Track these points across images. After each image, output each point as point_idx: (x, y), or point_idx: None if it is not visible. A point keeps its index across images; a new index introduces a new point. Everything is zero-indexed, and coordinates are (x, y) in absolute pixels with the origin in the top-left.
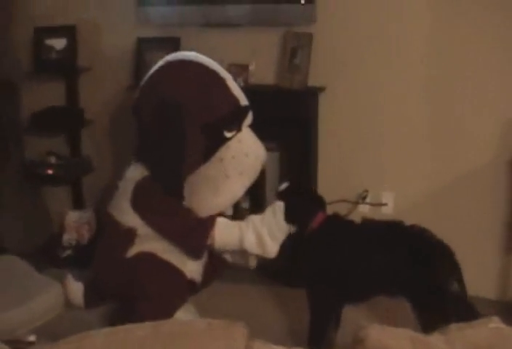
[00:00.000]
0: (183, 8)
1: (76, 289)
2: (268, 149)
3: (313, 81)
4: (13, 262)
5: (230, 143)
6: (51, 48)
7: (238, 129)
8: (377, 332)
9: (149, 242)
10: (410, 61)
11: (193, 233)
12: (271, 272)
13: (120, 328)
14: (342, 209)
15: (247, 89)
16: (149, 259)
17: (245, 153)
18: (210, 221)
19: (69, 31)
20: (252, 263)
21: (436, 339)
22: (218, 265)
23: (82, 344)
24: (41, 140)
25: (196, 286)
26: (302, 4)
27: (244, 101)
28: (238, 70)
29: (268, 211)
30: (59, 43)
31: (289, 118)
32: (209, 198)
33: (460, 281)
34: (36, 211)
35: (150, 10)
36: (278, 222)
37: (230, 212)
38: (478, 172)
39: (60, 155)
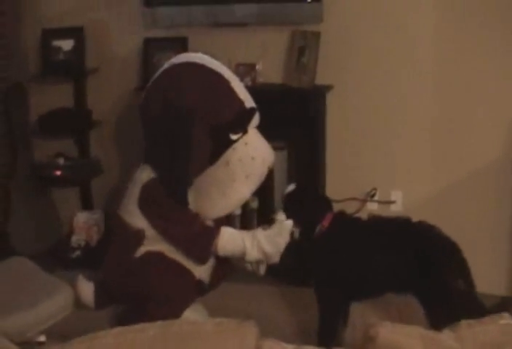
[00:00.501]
0: (190, 8)
1: (87, 289)
2: (276, 148)
3: (320, 80)
4: (22, 263)
5: (236, 146)
6: (59, 49)
7: (244, 132)
8: (387, 330)
9: (157, 243)
10: (418, 59)
11: (197, 240)
12: (280, 271)
13: (130, 328)
14: (350, 207)
15: (255, 89)
16: (157, 258)
17: (251, 156)
18: (215, 230)
19: (77, 32)
20: (262, 271)
21: (446, 336)
22: (226, 267)
23: (92, 344)
24: (49, 142)
25: (204, 286)
26: (309, 3)
27: (249, 103)
28: (246, 69)
29: (275, 228)
30: (67, 44)
31: (297, 116)
32: (215, 200)
33: (468, 277)
34: (45, 212)
35: (158, 11)
36: (284, 241)
37: (238, 212)
38: (486, 170)
39: (68, 156)
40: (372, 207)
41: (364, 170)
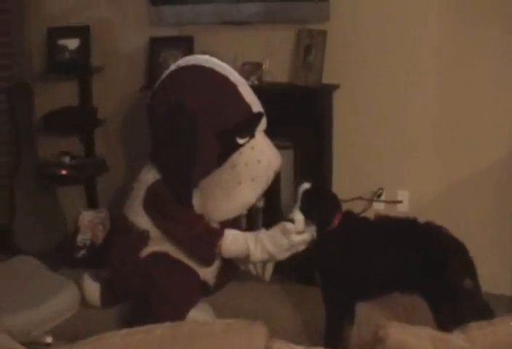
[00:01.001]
0: (196, 6)
1: (93, 288)
2: (282, 147)
3: (327, 79)
4: (28, 262)
5: (243, 150)
6: (64, 48)
7: (251, 136)
8: (397, 331)
9: (162, 243)
10: (424, 58)
11: (201, 242)
12: (286, 270)
13: (137, 329)
14: (357, 207)
15: (261, 87)
16: (162, 258)
17: (258, 160)
18: (219, 231)
19: (82, 31)
20: (267, 276)
21: (456, 337)
22: (232, 269)
23: (98, 345)
24: (54, 140)
25: (209, 288)
26: (316, 2)
27: (256, 107)
28: (252, 68)
29: (277, 230)
30: (72, 43)
31: (303, 115)
32: (221, 203)
33: (474, 278)
34: (50, 211)
35: (164, 9)
36: (287, 241)
37: (244, 212)
38: (492, 170)
39: (73, 155)
40: (379, 207)
41: (371, 169)
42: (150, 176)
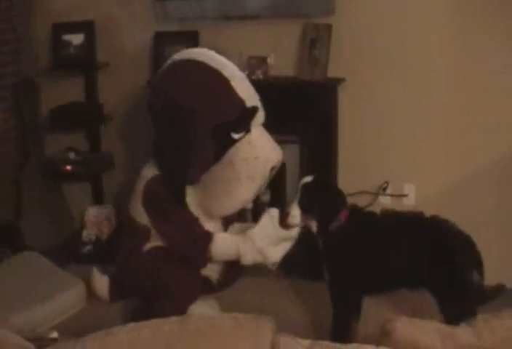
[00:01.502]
0: (201, 1)
1: (102, 282)
2: (288, 141)
3: (332, 73)
4: (34, 258)
5: (239, 145)
6: (69, 44)
7: (247, 131)
8: (404, 325)
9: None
10: (430, 52)
11: (193, 246)
12: (293, 265)
13: (145, 324)
14: (362, 201)
15: (267, 82)
16: (162, 253)
17: (255, 156)
18: (209, 236)
19: (87, 27)
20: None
21: (463, 331)
22: (239, 266)
23: (106, 341)
24: (60, 136)
25: (211, 283)
26: None
27: (251, 101)
28: (258, 62)
29: (265, 220)
30: (77, 38)
31: (308, 109)
32: (221, 200)
33: (481, 271)
34: (56, 207)
35: (168, 4)
36: (276, 229)
37: (250, 206)
38: (498, 163)
39: (79, 151)
40: (384, 201)
41: (376, 163)
42: (149, 171)
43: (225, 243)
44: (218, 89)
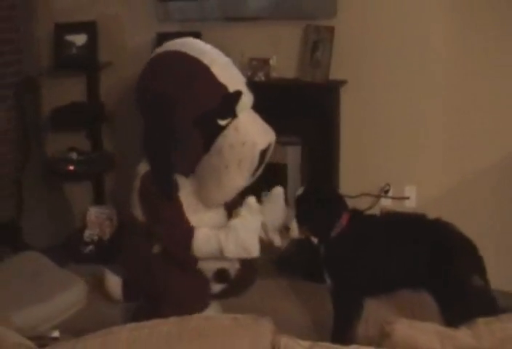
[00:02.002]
0: (203, 2)
1: (115, 282)
2: (290, 143)
3: (334, 75)
4: (35, 257)
5: (226, 132)
6: (71, 44)
7: (233, 116)
8: (404, 327)
9: None
10: (432, 55)
11: (179, 244)
12: (293, 266)
13: (145, 324)
14: (364, 203)
15: (268, 84)
16: (169, 257)
17: (242, 141)
18: (190, 232)
19: (89, 27)
20: (278, 241)
21: (463, 333)
22: (251, 271)
23: (106, 340)
24: (62, 136)
25: (228, 275)
26: None
27: (234, 86)
28: (260, 64)
29: (245, 210)
30: (79, 39)
31: (310, 111)
32: (212, 189)
33: (483, 274)
34: (58, 207)
35: (171, 5)
36: (256, 218)
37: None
38: (500, 165)
39: (81, 151)
40: (386, 203)
41: (378, 165)
42: (142, 168)
43: (206, 238)
44: (197, 78)
